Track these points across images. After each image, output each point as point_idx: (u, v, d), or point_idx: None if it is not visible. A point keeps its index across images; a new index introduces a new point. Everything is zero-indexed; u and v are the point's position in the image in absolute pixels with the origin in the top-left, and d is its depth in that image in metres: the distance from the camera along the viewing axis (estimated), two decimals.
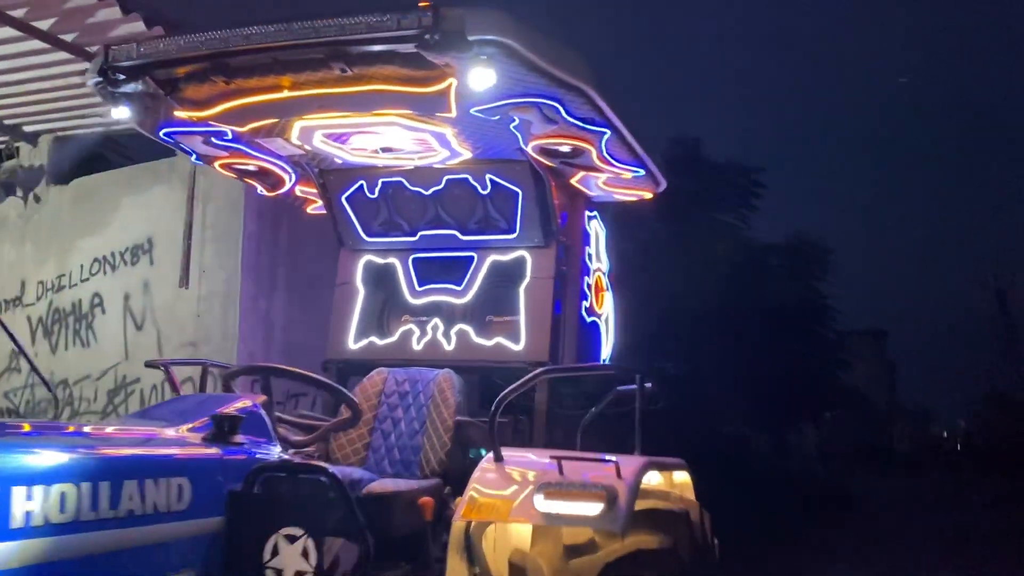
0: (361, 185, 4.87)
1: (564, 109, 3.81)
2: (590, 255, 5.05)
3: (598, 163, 4.35)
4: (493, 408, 3.69)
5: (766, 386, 15.75)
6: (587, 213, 5.05)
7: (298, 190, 5.15)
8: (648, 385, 4.16)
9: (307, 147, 4.41)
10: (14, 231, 8.81)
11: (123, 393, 7.83)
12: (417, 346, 4.88)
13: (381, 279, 5.14)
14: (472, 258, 4.91)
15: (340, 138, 4.29)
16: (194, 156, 4.63)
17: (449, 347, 4.82)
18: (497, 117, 3.90)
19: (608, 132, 4.05)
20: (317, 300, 5.93)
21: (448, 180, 4.73)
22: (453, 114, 3.80)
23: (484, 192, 4.71)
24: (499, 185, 4.66)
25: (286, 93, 3.73)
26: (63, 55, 7.06)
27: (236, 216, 7.48)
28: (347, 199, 4.94)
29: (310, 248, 7.54)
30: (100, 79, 3.80)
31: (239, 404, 3.21)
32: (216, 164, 4.66)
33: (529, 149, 4.24)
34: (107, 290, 8.08)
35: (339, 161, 4.67)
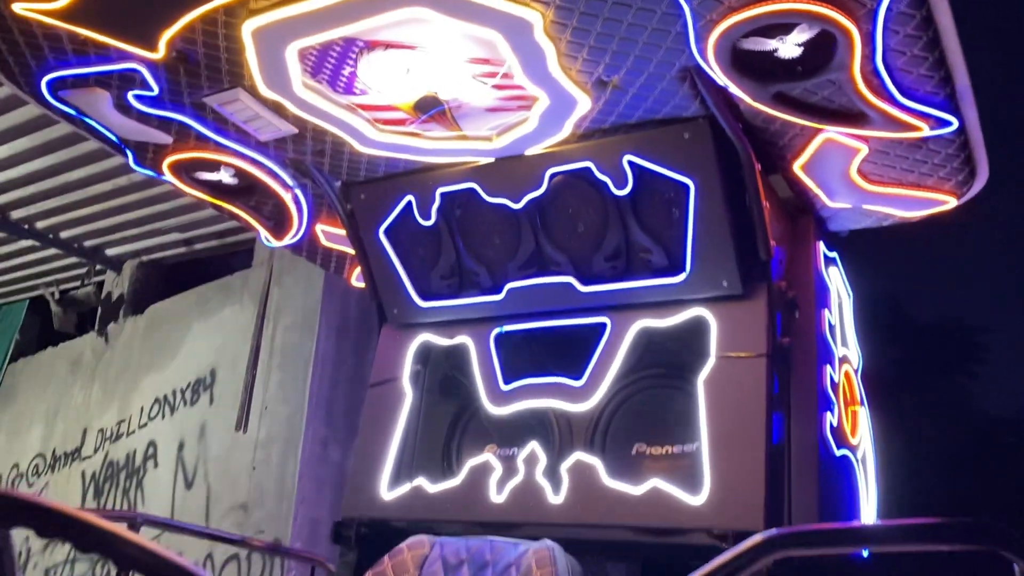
0: (409, 204, 2.64)
1: None
2: (832, 326, 2.53)
3: (862, 90, 1.91)
4: None
5: None
6: (822, 248, 2.57)
7: (322, 235, 3.00)
8: None
9: (289, 105, 2.27)
10: (86, 372, 7.20)
11: None
12: (497, 496, 2.42)
13: (447, 376, 2.82)
14: (603, 327, 2.50)
15: (337, 70, 2.13)
16: (131, 157, 2.62)
17: (556, 498, 2.33)
18: None
19: None
20: None
21: (555, 177, 2.42)
22: None
23: (621, 192, 2.36)
24: (649, 176, 2.31)
25: None
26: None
27: (309, 335, 5.44)
28: (388, 232, 2.72)
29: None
30: None
31: None
32: (165, 166, 2.62)
33: (711, 59, 1.90)
34: (163, 437, 6.14)
35: (364, 154, 2.51)
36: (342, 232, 2.85)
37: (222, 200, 2.75)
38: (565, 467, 2.33)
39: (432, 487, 2.51)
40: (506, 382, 2.56)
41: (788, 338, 2.28)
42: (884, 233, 2.63)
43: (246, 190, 2.70)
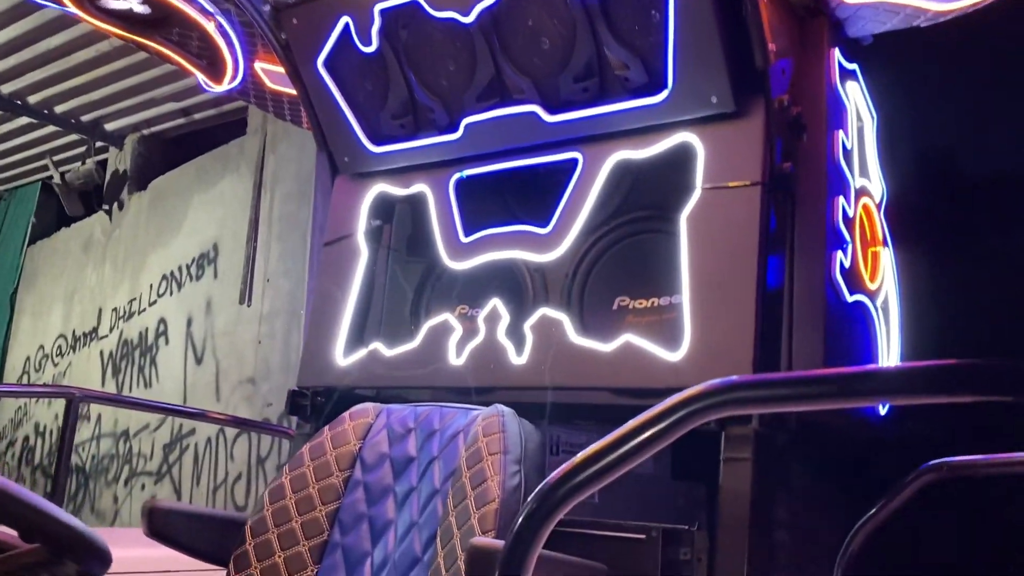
0: (347, 28, 2.26)
1: None
2: (847, 151, 2.12)
3: None
4: (533, 504, 0.91)
5: None
6: (838, 58, 2.13)
7: (265, 76, 2.63)
8: None
9: None
10: (97, 251, 7.08)
11: (177, 448, 5.65)
12: (456, 358, 2.14)
13: (412, 232, 2.51)
14: (574, 163, 2.14)
15: None
16: None
17: (520, 359, 2.04)
18: None
19: None
20: None
21: None
22: None
23: None
24: None
25: None
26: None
27: (306, 203, 5.15)
28: (328, 65, 2.34)
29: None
30: None
31: None
32: None
33: None
34: (172, 314, 6.02)
35: None
36: (280, 70, 2.48)
37: (139, 35, 2.39)
38: (528, 325, 2.02)
39: (388, 351, 2.23)
40: (467, 233, 2.22)
41: (790, 163, 1.88)
42: (913, 39, 2.15)
43: (163, 21, 2.32)
